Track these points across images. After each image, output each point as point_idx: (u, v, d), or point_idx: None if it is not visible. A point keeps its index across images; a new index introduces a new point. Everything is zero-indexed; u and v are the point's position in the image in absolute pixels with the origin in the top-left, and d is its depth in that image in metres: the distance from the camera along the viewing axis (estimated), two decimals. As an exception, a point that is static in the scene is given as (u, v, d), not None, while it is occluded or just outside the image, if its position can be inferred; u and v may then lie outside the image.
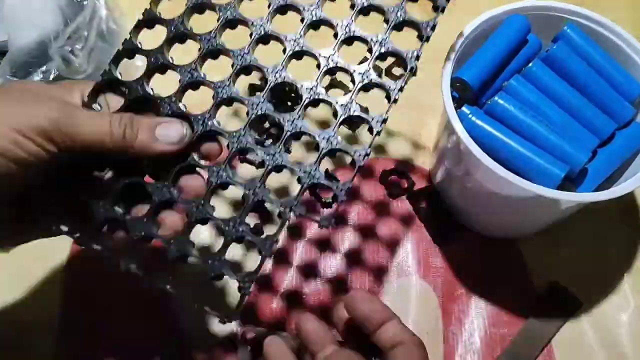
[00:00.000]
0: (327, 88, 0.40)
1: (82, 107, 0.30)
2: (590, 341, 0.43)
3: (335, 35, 0.34)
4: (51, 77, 0.39)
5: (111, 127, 0.28)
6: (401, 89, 0.32)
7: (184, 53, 0.36)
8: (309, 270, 0.45)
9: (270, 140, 0.36)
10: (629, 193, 0.35)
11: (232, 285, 0.43)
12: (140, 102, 0.32)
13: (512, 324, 0.44)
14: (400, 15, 0.33)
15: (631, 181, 0.36)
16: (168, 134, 0.30)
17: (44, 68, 0.39)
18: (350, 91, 0.33)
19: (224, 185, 0.31)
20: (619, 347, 0.43)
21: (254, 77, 0.41)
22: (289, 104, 0.41)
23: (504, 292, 0.45)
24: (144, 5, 0.59)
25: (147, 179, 0.32)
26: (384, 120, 0.32)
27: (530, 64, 0.40)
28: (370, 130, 0.32)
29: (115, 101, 0.32)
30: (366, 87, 0.33)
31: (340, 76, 0.36)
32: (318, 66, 0.34)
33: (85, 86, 0.31)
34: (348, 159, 0.33)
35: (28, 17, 0.40)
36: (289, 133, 0.32)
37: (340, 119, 0.32)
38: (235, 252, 0.46)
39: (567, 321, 0.43)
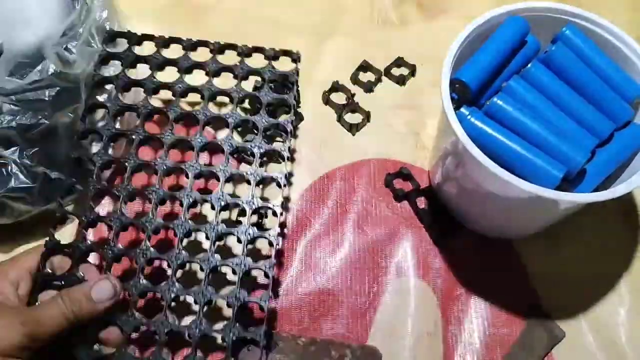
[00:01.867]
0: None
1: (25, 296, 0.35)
2: (589, 341, 0.43)
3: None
4: (49, 73, 0.39)
5: (65, 314, 0.33)
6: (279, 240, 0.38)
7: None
8: (309, 271, 0.46)
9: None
10: (627, 193, 0.36)
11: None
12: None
13: (511, 323, 0.44)
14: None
15: (629, 182, 0.36)
16: (102, 293, 0.34)
17: (39, 67, 0.39)
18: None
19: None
20: (618, 346, 0.43)
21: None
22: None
23: (503, 292, 0.45)
24: (144, 5, 0.59)
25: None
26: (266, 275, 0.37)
27: (529, 65, 0.40)
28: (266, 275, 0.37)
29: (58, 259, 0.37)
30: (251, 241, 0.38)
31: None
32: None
33: (13, 267, 0.35)
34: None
35: (23, 18, 0.40)
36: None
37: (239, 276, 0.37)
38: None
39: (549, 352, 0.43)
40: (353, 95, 0.53)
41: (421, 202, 0.49)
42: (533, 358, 0.42)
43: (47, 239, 0.37)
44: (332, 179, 0.50)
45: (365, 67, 0.55)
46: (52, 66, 0.39)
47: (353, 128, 0.52)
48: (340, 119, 0.52)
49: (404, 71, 0.56)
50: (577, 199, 0.35)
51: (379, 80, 0.55)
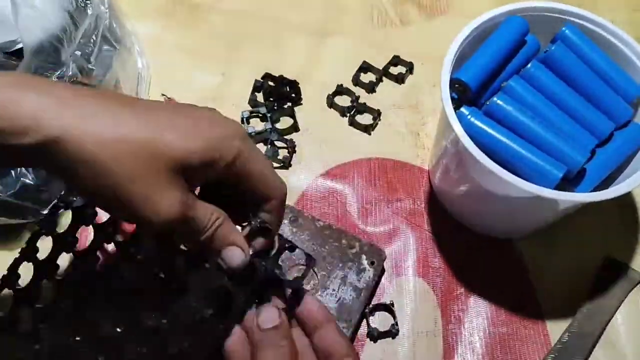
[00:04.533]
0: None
1: None
2: (588, 340, 0.43)
3: None
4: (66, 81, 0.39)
5: (214, 216, 0.31)
6: None
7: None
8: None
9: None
10: (627, 193, 0.36)
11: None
12: None
13: (511, 323, 0.44)
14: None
15: (629, 181, 0.36)
16: (232, 257, 0.32)
17: (58, 73, 0.38)
18: None
19: None
20: (618, 346, 0.43)
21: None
22: None
23: (503, 291, 0.45)
24: (143, 5, 0.60)
25: None
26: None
27: (528, 65, 0.40)
28: None
29: None
30: None
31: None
32: None
33: None
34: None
35: (34, 17, 0.40)
36: None
37: None
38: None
39: (629, 294, 0.44)
40: (358, 97, 0.53)
41: (421, 202, 0.49)
42: (614, 301, 0.43)
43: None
44: (332, 177, 0.50)
45: (365, 67, 0.55)
46: (70, 74, 0.38)
47: (369, 128, 0.52)
48: (353, 123, 0.52)
49: (402, 69, 0.56)
50: (577, 199, 0.36)
51: (380, 80, 0.55)
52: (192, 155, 0.29)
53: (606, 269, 0.45)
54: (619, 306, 0.43)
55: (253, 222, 0.33)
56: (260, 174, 0.32)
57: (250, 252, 0.33)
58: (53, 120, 0.26)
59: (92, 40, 0.41)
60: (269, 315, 0.31)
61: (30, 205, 0.43)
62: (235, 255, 0.32)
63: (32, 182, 0.40)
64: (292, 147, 0.50)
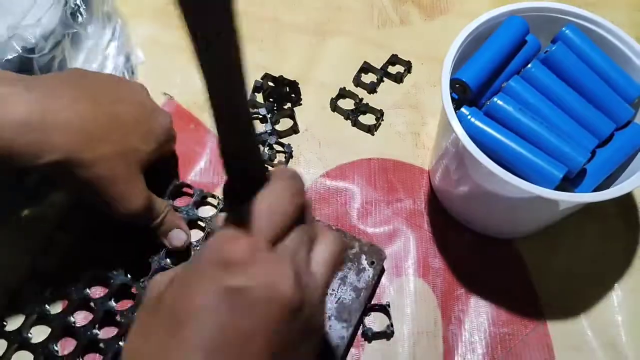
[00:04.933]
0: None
1: None
2: (589, 340, 0.43)
3: None
4: (5, 59, 0.39)
5: (161, 205, 0.42)
6: None
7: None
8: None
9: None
10: (627, 193, 0.36)
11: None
12: None
13: (511, 323, 0.44)
14: None
15: (630, 181, 0.36)
16: (177, 237, 0.43)
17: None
18: None
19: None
20: (618, 346, 0.43)
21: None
22: None
23: (504, 291, 0.45)
24: (142, 5, 0.59)
25: None
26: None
27: (529, 65, 0.40)
28: None
29: None
30: None
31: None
32: None
33: None
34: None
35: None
36: None
37: None
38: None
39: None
40: (361, 99, 0.53)
41: (421, 202, 0.49)
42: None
43: None
44: (331, 178, 0.50)
45: (366, 68, 0.55)
46: (11, 53, 0.40)
47: (372, 129, 0.52)
48: (356, 123, 0.52)
49: (400, 69, 0.56)
50: (577, 199, 0.35)
51: (380, 80, 0.55)
52: (150, 152, 0.40)
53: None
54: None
55: (173, 184, 0.48)
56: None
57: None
58: (58, 146, 0.34)
59: (39, 19, 0.41)
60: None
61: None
62: (180, 235, 0.43)
63: None
64: (289, 152, 0.50)
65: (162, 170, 0.45)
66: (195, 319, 0.22)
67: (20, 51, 0.40)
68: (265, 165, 0.30)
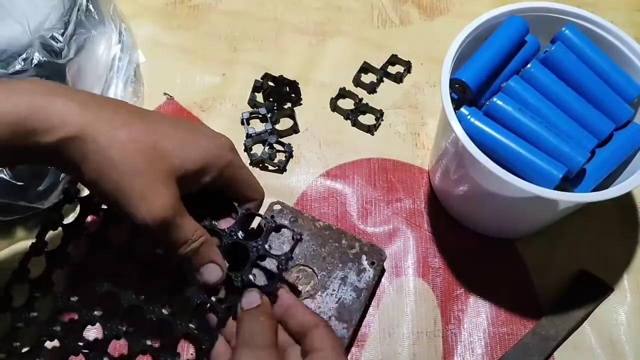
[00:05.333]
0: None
1: None
2: (589, 341, 0.43)
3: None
4: (33, 63, 0.38)
5: (198, 233, 0.35)
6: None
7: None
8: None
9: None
10: (627, 193, 0.36)
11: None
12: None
13: (511, 323, 0.44)
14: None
15: (629, 181, 0.36)
16: (211, 273, 0.36)
17: (24, 56, 0.38)
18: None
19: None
20: (617, 346, 0.43)
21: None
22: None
23: (503, 291, 0.45)
24: (143, 5, 0.60)
25: None
26: (289, 258, 0.37)
27: (528, 65, 0.40)
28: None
29: None
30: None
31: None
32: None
33: None
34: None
35: (8, 8, 0.40)
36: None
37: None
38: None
39: (598, 305, 0.44)
40: (361, 99, 0.53)
41: (421, 202, 0.49)
42: (581, 311, 0.43)
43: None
44: (331, 178, 0.50)
45: (366, 68, 0.55)
46: (36, 55, 0.38)
47: (371, 129, 0.52)
48: (355, 123, 0.52)
49: (400, 69, 0.56)
50: (577, 199, 0.36)
51: (380, 80, 0.55)
52: (189, 163, 0.34)
53: (579, 280, 0.45)
54: (587, 317, 0.44)
55: (240, 212, 0.38)
56: (246, 180, 0.38)
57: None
58: (74, 121, 0.30)
59: (64, 21, 0.40)
60: (251, 297, 0.35)
61: (13, 202, 0.42)
62: (215, 272, 0.36)
63: (7, 178, 0.40)
64: (289, 152, 0.50)
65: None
66: None
67: (48, 56, 0.39)
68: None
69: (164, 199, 0.32)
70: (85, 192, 0.39)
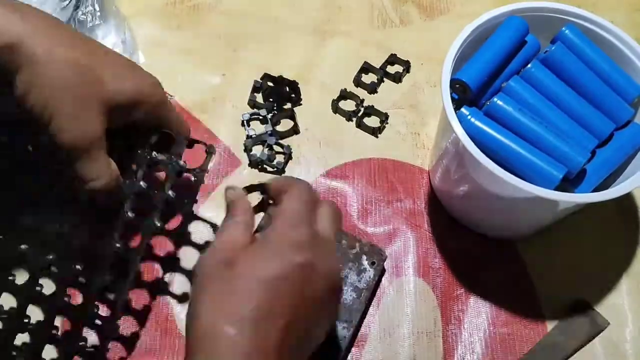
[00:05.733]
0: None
1: None
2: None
3: None
4: None
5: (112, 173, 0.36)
6: None
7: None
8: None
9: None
10: (627, 193, 0.36)
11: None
12: None
13: (511, 323, 0.44)
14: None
15: (629, 181, 0.36)
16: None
17: None
18: None
19: None
20: (618, 346, 0.43)
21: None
22: None
23: (503, 291, 0.45)
24: (143, 5, 0.59)
25: None
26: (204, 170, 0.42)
27: (529, 65, 0.40)
28: None
29: None
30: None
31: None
32: None
33: None
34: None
35: None
36: None
37: None
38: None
39: (590, 340, 0.43)
40: (362, 100, 0.53)
41: (421, 202, 0.49)
42: (573, 342, 0.43)
43: None
44: (331, 178, 0.50)
45: (366, 69, 0.55)
46: None
47: (376, 131, 0.52)
48: (360, 125, 0.52)
49: (399, 68, 0.56)
50: (577, 200, 0.36)
51: (381, 81, 0.55)
52: (122, 95, 0.34)
53: (574, 309, 0.44)
54: (579, 348, 0.43)
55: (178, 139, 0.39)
56: (176, 119, 0.40)
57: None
58: (13, 30, 0.30)
59: (67, 4, 0.41)
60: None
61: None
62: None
63: None
64: (288, 154, 0.50)
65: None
66: (274, 288, 0.28)
67: None
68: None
69: (88, 126, 0.33)
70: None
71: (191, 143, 0.41)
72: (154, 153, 0.39)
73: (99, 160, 0.34)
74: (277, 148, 0.51)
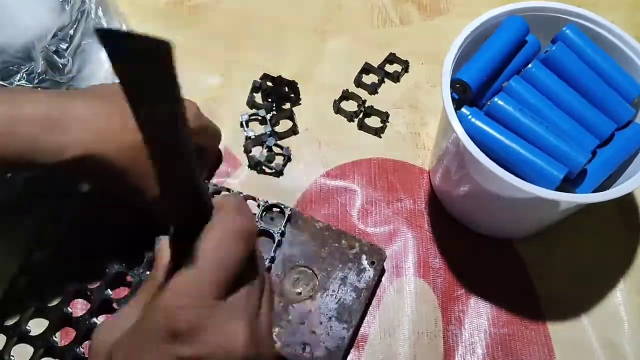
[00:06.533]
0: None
1: None
2: (590, 340, 0.43)
3: None
4: (35, 80, 0.38)
5: None
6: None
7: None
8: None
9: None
10: (628, 194, 0.36)
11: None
12: None
13: (512, 323, 0.44)
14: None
15: (630, 182, 0.36)
16: None
17: (26, 69, 0.38)
18: None
19: None
20: (618, 346, 0.43)
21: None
22: None
23: (504, 292, 0.45)
24: (143, 5, 0.59)
25: None
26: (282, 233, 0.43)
27: (529, 65, 0.40)
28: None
29: None
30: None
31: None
32: None
33: None
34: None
35: (10, 16, 0.40)
36: None
37: None
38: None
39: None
40: (364, 101, 0.53)
41: (421, 202, 0.49)
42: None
43: None
44: (331, 178, 0.50)
45: (367, 69, 0.55)
46: (39, 69, 0.38)
47: (379, 131, 0.52)
48: (362, 126, 0.52)
49: (398, 67, 0.56)
50: (577, 200, 0.35)
51: (382, 81, 0.55)
52: None
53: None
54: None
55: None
56: (212, 129, 0.46)
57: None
58: (81, 140, 0.34)
59: (69, 36, 0.40)
60: None
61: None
62: None
63: None
64: (287, 155, 0.50)
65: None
66: None
67: (51, 73, 0.39)
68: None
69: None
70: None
71: (270, 207, 0.44)
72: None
73: None
74: (276, 149, 0.51)
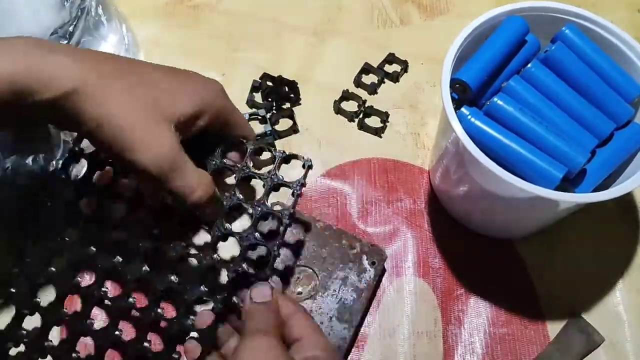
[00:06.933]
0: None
1: None
2: (589, 341, 0.43)
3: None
4: None
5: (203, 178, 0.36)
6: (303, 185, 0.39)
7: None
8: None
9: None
10: (627, 193, 0.36)
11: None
12: None
13: (511, 323, 0.44)
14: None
15: (630, 181, 0.36)
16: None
17: None
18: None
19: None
20: (618, 346, 0.43)
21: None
22: None
23: (503, 292, 0.45)
24: (143, 5, 0.60)
25: None
26: (302, 184, 0.39)
27: (529, 65, 0.40)
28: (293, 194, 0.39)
29: None
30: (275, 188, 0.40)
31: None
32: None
33: None
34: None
35: (10, 13, 0.40)
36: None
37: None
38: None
39: (585, 356, 0.43)
40: (365, 101, 0.53)
41: (421, 202, 0.49)
42: (569, 358, 0.42)
43: None
44: (332, 178, 0.50)
45: (367, 69, 0.55)
46: None
47: (379, 131, 0.52)
48: (362, 126, 0.52)
49: (397, 68, 0.56)
50: (577, 199, 0.35)
51: (382, 81, 0.55)
52: (183, 109, 0.35)
53: (570, 325, 0.43)
54: None
55: (249, 146, 0.39)
56: (239, 122, 0.39)
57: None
58: (69, 76, 0.31)
59: (68, 33, 0.40)
60: (263, 290, 0.36)
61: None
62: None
63: None
64: (283, 157, 0.49)
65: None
66: None
67: None
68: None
69: (163, 142, 0.33)
70: (91, 148, 0.40)
71: (288, 158, 0.40)
72: (225, 161, 0.39)
73: (188, 172, 0.35)
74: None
